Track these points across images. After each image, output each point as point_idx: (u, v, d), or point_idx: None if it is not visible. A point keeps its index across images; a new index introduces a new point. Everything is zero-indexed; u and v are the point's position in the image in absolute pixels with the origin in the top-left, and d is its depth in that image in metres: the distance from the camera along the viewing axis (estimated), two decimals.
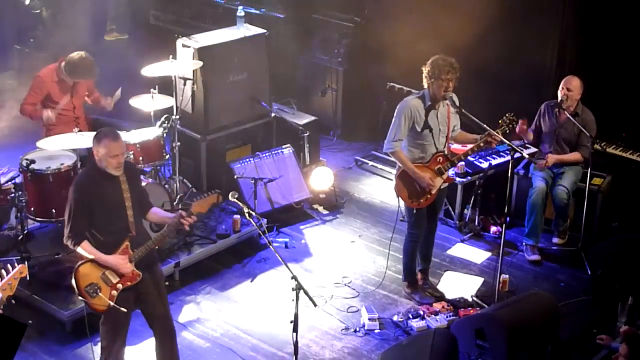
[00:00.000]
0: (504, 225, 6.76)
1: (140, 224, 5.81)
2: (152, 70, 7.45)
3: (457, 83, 6.69)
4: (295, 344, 5.25)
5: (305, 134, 8.64)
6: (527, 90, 8.75)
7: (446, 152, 6.82)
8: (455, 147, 7.66)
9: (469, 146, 6.90)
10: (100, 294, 5.55)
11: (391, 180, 9.05)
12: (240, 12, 8.71)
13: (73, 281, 5.57)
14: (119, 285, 5.60)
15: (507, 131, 6.75)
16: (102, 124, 7.83)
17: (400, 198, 6.90)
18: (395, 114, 6.76)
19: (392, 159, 7.02)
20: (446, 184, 6.99)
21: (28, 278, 6.79)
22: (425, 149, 6.76)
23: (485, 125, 6.70)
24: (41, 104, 7.68)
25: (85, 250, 5.57)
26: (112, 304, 5.55)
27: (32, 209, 7.14)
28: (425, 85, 6.70)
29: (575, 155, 7.78)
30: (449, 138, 6.83)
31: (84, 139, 6.92)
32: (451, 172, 7.52)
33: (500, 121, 6.76)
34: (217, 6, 10.42)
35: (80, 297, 5.62)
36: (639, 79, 8.33)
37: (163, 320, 5.86)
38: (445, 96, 6.64)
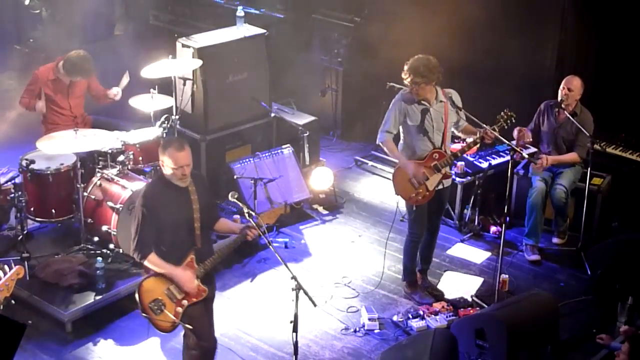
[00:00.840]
0: (503, 225, 6.75)
1: (207, 237, 5.62)
2: (151, 71, 7.44)
3: (442, 79, 6.68)
4: (295, 344, 5.25)
5: (305, 134, 8.64)
6: (527, 90, 8.74)
7: (444, 150, 6.81)
8: (455, 146, 7.66)
9: (468, 140, 6.89)
10: (164, 310, 5.34)
11: (391, 180, 9.09)
12: (240, 12, 8.71)
13: (136, 297, 5.36)
14: (184, 302, 5.39)
15: (506, 127, 6.75)
16: (102, 123, 7.84)
17: (399, 195, 6.90)
18: (390, 106, 6.80)
19: (391, 158, 7.02)
20: (448, 181, 6.95)
21: (28, 278, 6.80)
22: (419, 146, 6.75)
23: (485, 125, 6.70)
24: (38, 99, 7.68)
25: (153, 263, 5.35)
26: (177, 321, 5.34)
27: (32, 209, 7.15)
28: (406, 83, 6.72)
29: (572, 156, 7.77)
30: (446, 135, 6.81)
31: (84, 142, 6.92)
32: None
33: (498, 117, 6.76)
34: (216, 6, 10.41)
35: (143, 314, 5.38)
36: (638, 79, 8.33)
37: (208, 338, 5.64)
38: (420, 96, 6.65)
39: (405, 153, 6.81)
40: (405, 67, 6.64)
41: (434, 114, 6.72)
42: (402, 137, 6.84)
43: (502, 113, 6.74)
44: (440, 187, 6.85)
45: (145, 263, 5.38)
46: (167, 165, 5.33)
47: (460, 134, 7.03)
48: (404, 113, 6.71)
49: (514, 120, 6.77)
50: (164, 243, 5.39)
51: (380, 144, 6.88)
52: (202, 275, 5.46)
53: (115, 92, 7.96)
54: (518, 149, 6.70)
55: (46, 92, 7.69)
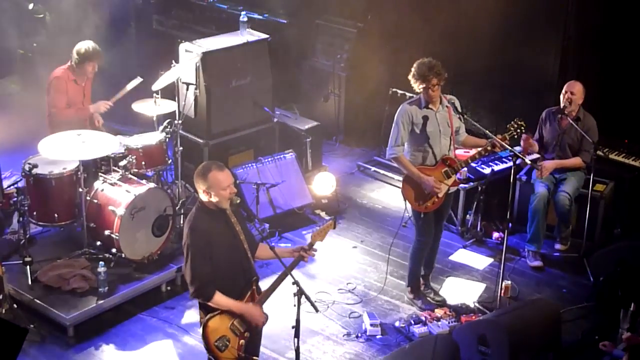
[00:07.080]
0: (506, 231, 6.74)
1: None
2: (160, 83, 7.51)
3: (445, 83, 6.67)
4: (297, 350, 5.24)
5: (308, 139, 8.65)
6: (530, 97, 8.75)
7: (452, 155, 6.80)
8: (458, 152, 7.66)
9: (473, 151, 6.89)
10: (229, 345, 5.15)
11: (393, 185, 9.10)
12: (243, 17, 8.72)
13: (202, 337, 5.14)
14: (247, 334, 5.24)
15: (516, 136, 6.74)
16: (105, 127, 7.85)
17: (407, 202, 6.89)
18: (394, 120, 6.77)
19: (395, 164, 7.00)
20: (455, 188, 6.95)
21: (30, 282, 6.81)
22: (427, 152, 6.75)
23: (487, 132, 6.70)
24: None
25: (219, 302, 5.11)
26: (242, 354, 5.21)
27: (34, 213, 7.15)
28: (418, 90, 6.72)
29: (575, 160, 7.76)
30: (453, 140, 6.82)
31: (87, 149, 6.92)
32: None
33: (508, 125, 6.75)
34: (220, 11, 10.44)
35: (209, 354, 5.15)
36: None
37: (258, 355, 5.51)
38: (433, 98, 6.64)
39: (413, 160, 6.78)
40: (414, 72, 6.61)
41: (440, 119, 6.72)
42: (408, 146, 6.81)
43: (512, 122, 6.73)
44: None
45: (210, 304, 5.13)
46: (213, 189, 5.07)
47: (460, 146, 7.02)
48: (411, 122, 6.69)
49: (524, 130, 6.76)
50: (223, 276, 5.15)
51: (392, 159, 6.84)
52: (263, 303, 5.34)
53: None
54: (520, 155, 6.69)
55: (68, 93, 7.70)
